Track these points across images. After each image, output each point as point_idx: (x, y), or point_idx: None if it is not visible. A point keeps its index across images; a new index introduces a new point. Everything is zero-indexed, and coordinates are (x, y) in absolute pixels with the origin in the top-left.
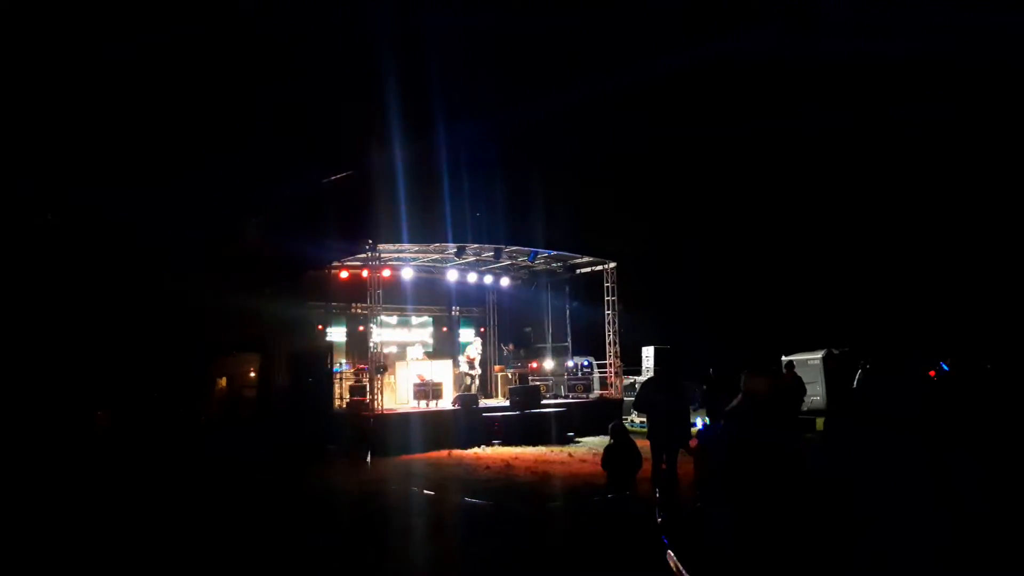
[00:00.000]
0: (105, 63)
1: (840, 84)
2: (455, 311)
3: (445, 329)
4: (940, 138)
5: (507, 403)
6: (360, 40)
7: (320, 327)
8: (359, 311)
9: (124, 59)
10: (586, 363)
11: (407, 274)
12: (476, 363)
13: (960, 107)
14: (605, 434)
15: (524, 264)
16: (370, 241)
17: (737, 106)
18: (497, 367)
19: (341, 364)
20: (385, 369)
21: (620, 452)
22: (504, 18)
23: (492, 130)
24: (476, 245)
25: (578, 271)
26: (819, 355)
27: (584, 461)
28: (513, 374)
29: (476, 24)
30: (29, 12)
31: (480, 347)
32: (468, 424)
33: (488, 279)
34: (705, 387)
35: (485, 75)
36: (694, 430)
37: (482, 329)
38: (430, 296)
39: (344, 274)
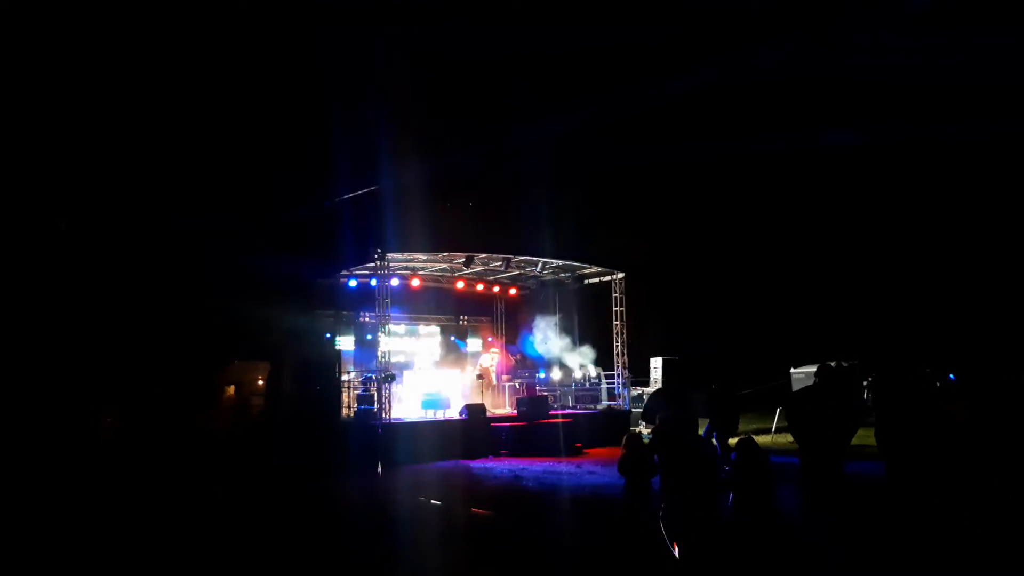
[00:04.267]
0: (119, 72)
1: (850, 101)
2: (463, 320)
3: (453, 338)
4: (950, 154)
5: (515, 413)
6: (370, 54)
7: (328, 336)
8: (367, 320)
9: (137, 69)
10: (594, 374)
11: (415, 283)
12: (491, 374)
13: (971, 125)
14: (613, 445)
15: (532, 274)
16: (379, 250)
17: (747, 121)
18: (505, 377)
19: (349, 372)
20: (393, 378)
21: (634, 462)
22: (517, 33)
23: (502, 141)
24: (484, 255)
25: (586, 281)
26: None
27: (592, 472)
28: (521, 384)
29: (487, 39)
30: (43, 20)
31: (493, 358)
32: (476, 434)
33: (496, 289)
34: (707, 400)
35: (496, 87)
36: None
37: (490, 339)
38: (438, 305)
39: (353, 283)
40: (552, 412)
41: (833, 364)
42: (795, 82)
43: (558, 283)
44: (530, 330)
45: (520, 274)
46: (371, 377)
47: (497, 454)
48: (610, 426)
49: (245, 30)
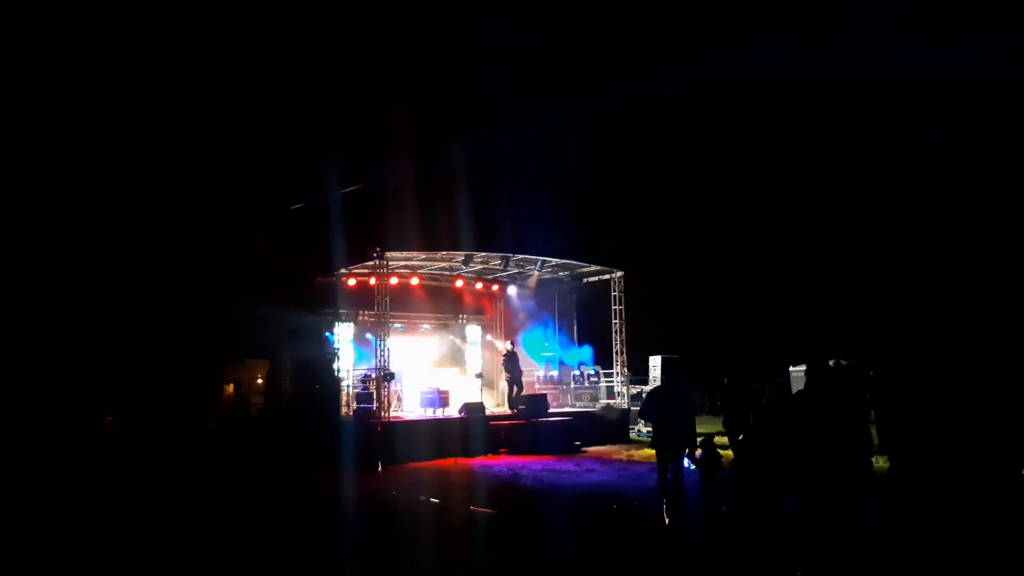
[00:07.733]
0: (114, 70)
1: (845, 98)
2: (462, 319)
3: (452, 337)
4: (946, 151)
5: (514, 412)
6: (369, 49)
7: (327, 334)
8: (366, 318)
9: (134, 68)
10: (593, 372)
11: (414, 282)
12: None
13: (967, 121)
14: (611, 443)
15: (531, 273)
16: (378, 249)
17: (744, 119)
18: (505, 375)
19: (348, 371)
20: (392, 377)
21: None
22: (515, 29)
23: (501, 139)
24: (483, 253)
25: (585, 280)
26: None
27: (591, 471)
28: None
29: (486, 34)
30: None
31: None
32: (475, 432)
33: (495, 287)
34: (721, 396)
35: (495, 85)
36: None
37: (488, 337)
38: (437, 304)
39: (352, 281)
40: (551, 410)
41: (832, 363)
42: (790, 79)
43: (557, 281)
44: (529, 329)
45: (519, 272)
46: (370, 376)
47: (496, 453)
48: (609, 425)
49: (243, 21)
